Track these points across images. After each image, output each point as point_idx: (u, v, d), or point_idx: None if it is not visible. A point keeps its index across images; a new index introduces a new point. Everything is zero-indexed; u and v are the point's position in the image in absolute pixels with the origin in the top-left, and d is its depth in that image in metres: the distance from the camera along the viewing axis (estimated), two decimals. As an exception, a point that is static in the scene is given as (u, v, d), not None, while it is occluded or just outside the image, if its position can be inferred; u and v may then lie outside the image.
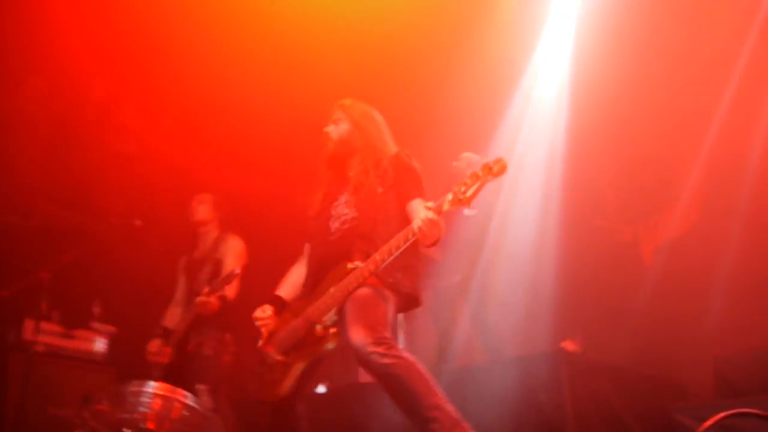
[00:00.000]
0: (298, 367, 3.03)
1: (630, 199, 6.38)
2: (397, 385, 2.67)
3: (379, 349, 2.70)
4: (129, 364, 5.50)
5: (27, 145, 6.28)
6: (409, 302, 3.14)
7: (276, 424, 3.12)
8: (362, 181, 3.22)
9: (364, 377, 5.58)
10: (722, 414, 2.93)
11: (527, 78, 6.37)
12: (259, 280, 4.34)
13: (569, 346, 4.47)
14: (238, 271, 4.16)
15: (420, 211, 2.89)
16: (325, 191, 3.39)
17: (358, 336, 2.77)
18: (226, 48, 6.13)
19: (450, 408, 2.66)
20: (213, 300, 4.19)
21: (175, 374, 4.15)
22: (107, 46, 6.05)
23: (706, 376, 4.29)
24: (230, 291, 4.38)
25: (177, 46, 6.06)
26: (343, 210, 3.21)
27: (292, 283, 3.37)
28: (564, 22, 6.20)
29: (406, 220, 3.04)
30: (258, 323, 3.20)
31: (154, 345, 4.44)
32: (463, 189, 2.73)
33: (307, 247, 3.43)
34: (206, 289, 4.17)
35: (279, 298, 3.30)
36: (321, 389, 5.61)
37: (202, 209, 4.84)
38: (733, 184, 5.44)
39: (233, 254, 4.61)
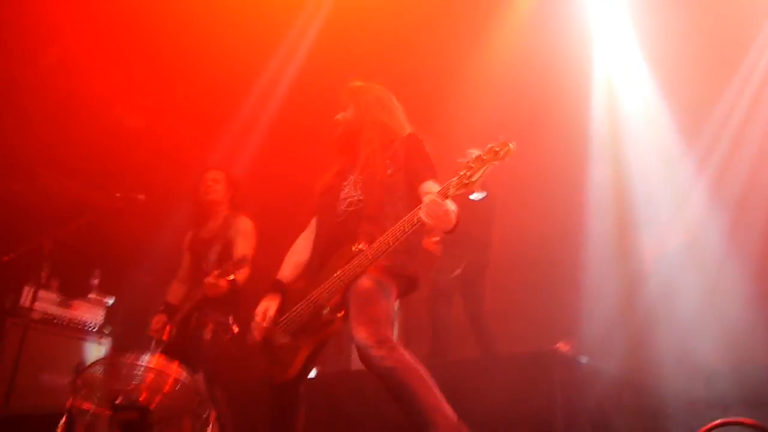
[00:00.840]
0: (306, 350, 3.02)
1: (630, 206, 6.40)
2: (398, 387, 2.68)
3: (382, 352, 2.71)
4: (125, 336, 5.54)
5: (36, 115, 6.29)
6: (410, 285, 3.12)
7: (278, 405, 3.12)
8: (369, 162, 3.18)
9: (356, 364, 5.61)
10: (711, 424, 2.96)
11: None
12: (266, 261, 4.32)
13: (563, 347, 4.49)
14: (249, 256, 4.10)
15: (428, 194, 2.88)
16: (338, 170, 3.35)
17: (361, 335, 2.77)
18: (236, 28, 6.15)
19: (450, 412, 2.67)
20: (222, 283, 4.07)
21: (174, 354, 4.11)
22: (120, 20, 6.07)
23: (697, 387, 4.31)
24: (240, 275, 4.25)
25: (189, 22, 6.07)
26: (351, 191, 3.17)
27: (293, 263, 3.32)
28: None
29: (417, 202, 2.96)
30: (257, 330, 3.13)
31: (157, 321, 4.38)
32: (468, 173, 2.68)
33: (313, 221, 3.38)
34: (216, 272, 4.06)
35: (280, 282, 3.26)
36: (312, 373, 5.62)
37: (218, 188, 4.68)
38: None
39: (244, 235, 4.49)
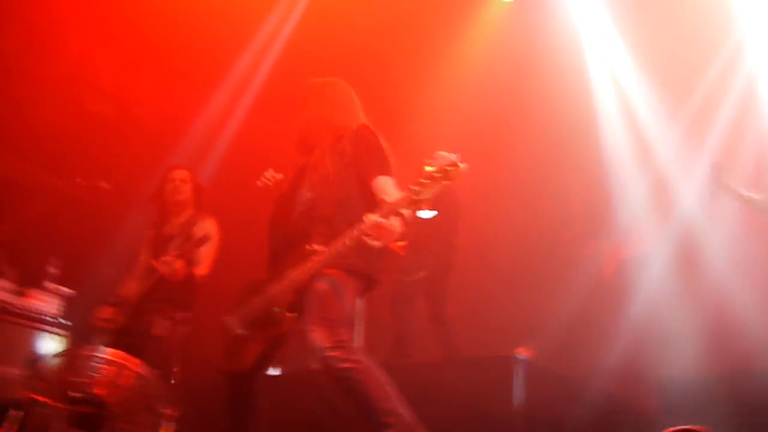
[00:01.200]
0: (256, 345, 3.07)
1: (595, 212, 6.48)
2: (353, 389, 2.70)
3: (337, 353, 2.72)
4: (82, 327, 5.41)
5: (-2, 96, 6.12)
6: (367, 283, 3.09)
7: (232, 399, 3.14)
8: (319, 160, 3.17)
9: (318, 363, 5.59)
10: (674, 429, 3.02)
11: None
12: (229, 266, 4.29)
13: (524, 351, 4.52)
14: (210, 237, 4.00)
15: (385, 195, 2.88)
16: (294, 175, 3.34)
17: (316, 337, 2.78)
18: (209, 18, 6.07)
19: (406, 413, 2.68)
20: (179, 265, 3.94)
21: (124, 346, 4.00)
22: (87, 3, 5.95)
23: (655, 394, 4.39)
24: (201, 267, 4.20)
25: (160, 6, 5.97)
26: (305, 192, 3.19)
27: None
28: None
29: (371, 198, 2.96)
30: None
31: (104, 311, 4.26)
32: (418, 190, 2.59)
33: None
34: (174, 252, 3.96)
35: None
36: (274, 372, 5.59)
37: (186, 189, 4.52)
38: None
39: (208, 234, 4.32)
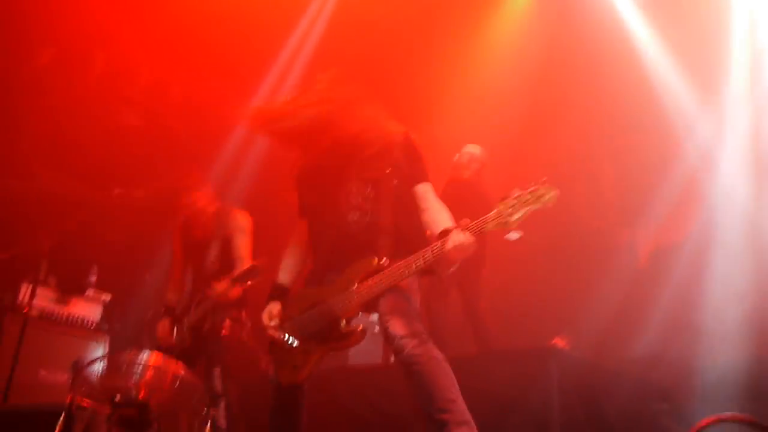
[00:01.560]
0: (317, 356, 3.03)
1: (629, 201, 6.41)
2: (422, 375, 2.75)
3: (414, 341, 2.79)
4: (123, 332, 5.55)
5: (33, 113, 6.29)
6: (428, 275, 3.13)
7: (281, 405, 3.13)
8: (379, 174, 3.11)
9: (354, 359, 5.63)
10: (705, 420, 2.99)
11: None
12: (265, 247, 4.29)
13: (560, 342, 4.52)
14: (259, 265, 4.01)
15: (439, 211, 2.96)
16: (325, 170, 3.23)
17: (394, 325, 2.84)
18: (234, 25, 6.15)
19: (464, 407, 2.74)
20: (235, 292, 4.05)
21: (189, 355, 4.08)
22: (117, 19, 6.07)
23: (692, 382, 4.35)
24: (245, 263, 4.23)
25: (186, 20, 6.07)
26: (361, 202, 3.10)
27: (291, 266, 3.32)
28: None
29: (414, 205, 3.04)
30: (268, 331, 3.12)
31: (163, 327, 4.32)
32: (508, 212, 2.65)
33: (302, 225, 3.34)
34: (227, 279, 4.02)
35: (281, 287, 3.26)
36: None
37: (201, 196, 4.53)
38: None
39: (242, 232, 4.40)
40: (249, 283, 4.02)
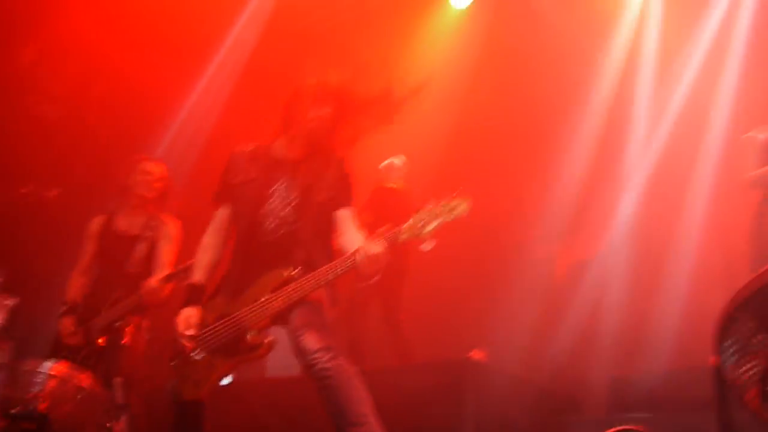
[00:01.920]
0: (222, 370, 2.96)
1: (549, 217, 6.58)
2: (334, 389, 2.73)
3: (326, 356, 2.76)
4: (28, 340, 5.28)
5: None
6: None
7: (182, 421, 3.01)
8: (309, 181, 3.06)
9: (272, 372, 5.56)
10: (613, 429, 3.08)
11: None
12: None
13: (477, 355, 4.58)
14: (173, 239, 3.97)
15: (356, 236, 2.94)
16: (262, 166, 3.14)
17: (308, 340, 2.80)
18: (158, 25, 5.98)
19: (376, 421, 2.73)
20: (166, 291, 3.92)
21: (88, 359, 3.89)
22: (48, 8, 5.82)
23: (601, 393, 4.48)
24: (164, 271, 4.08)
25: (110, 13, 5.87)
26: (285, 210, 3.05)
27: (206, 264, 3.17)
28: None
29: (332, 226, 3.04)
30: (183, 341, 2.96)
31: (67, 325, 4.07)
32: (421, 224, 2.71)
33: (222, 213, 3.20)
34: (159, 277, 3.90)
35: (198, 289, 3.09)
36: (225, 380, 5.52)
37: (159, 187, 4.31)
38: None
39: (169, 240, 4.25)
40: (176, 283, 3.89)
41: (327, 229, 3.09)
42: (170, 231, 4.30)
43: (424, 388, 4.07)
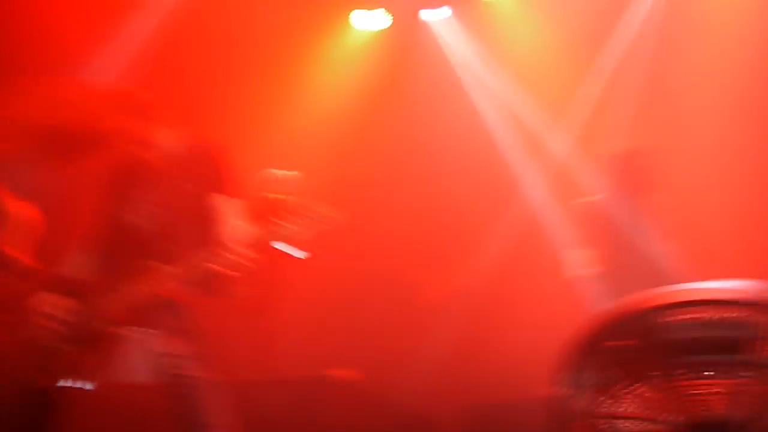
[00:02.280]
0: (71, 358, 2.92)
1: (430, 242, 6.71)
2: (183, 397, 2.75)
3: (178, 361, 2.78)
4: None
5: None
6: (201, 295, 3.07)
7: (29, 408, 2.95)
8: (169, 174, 3.06)
9: (141, 378, 5.34)
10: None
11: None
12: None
13: (340, 373, 4.62)
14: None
15: (226, 216, 2.91)
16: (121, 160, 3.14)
17: (160, 345, 2.81)
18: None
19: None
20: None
21: None
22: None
23: (462, 417, 4.62)
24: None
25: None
26: (146, 202, 3.06)
27: (83, 258, 3.15)
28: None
29: (206, 216, 2.97)
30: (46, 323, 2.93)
31: None
32: (286, 225, 2.77)
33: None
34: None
35: (71, 280, 3.07)
36: (88, 386, 5.26)
37: None
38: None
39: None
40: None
41: (196, 221, 3.01)
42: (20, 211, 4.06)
43: (283, 404, 4.07)
